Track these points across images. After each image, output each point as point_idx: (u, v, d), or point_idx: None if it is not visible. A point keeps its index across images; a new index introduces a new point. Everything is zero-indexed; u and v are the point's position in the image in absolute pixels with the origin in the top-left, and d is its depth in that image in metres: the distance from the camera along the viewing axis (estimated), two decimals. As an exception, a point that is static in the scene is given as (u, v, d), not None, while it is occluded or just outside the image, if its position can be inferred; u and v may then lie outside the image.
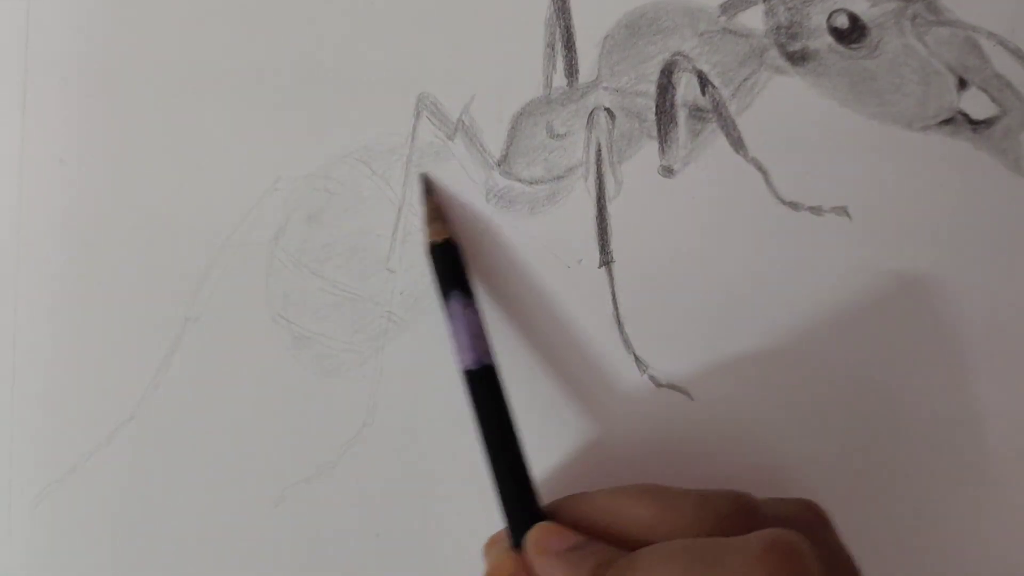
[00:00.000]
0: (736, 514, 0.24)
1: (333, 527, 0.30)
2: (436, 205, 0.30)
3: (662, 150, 0.31)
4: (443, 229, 0.29)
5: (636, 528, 0.24)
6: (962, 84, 0.31)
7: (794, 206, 0.31)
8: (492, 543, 0.27)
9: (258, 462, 0.30)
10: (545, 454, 0.30)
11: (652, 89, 0.31)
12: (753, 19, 0.32)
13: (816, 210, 0.31)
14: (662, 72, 0.31)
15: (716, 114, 0.31)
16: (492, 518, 0.27)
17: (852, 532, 0.27)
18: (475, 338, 0.28)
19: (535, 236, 0.31)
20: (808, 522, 0.26)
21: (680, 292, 0.30)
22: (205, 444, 0.30)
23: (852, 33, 0.31)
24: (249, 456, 0.30)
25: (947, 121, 0.31)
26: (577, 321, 0.30)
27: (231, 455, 0.30)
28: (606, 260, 0.31)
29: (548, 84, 0.31)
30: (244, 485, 0.30)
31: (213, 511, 0.30)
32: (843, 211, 0.31)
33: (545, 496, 0.27)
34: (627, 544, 0.23)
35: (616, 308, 0.30)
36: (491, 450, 0.27)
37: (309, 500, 0.30)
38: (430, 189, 0.30)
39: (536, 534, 0.25)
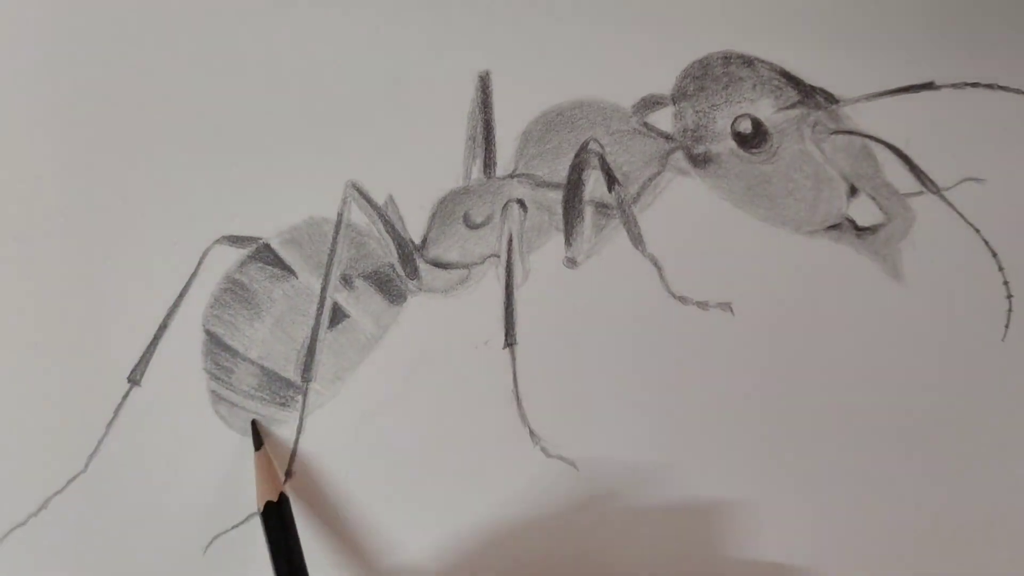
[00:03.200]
0: None
1: (256, 573, 0.34)
2: (267, 459, 0.32)
3: (568, 243, 0.34)
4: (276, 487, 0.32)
5: None
6: (852, 191, 0.34)
7: (683, 300, 0.33)
8: None
9: (192, 511, 0.34)
10: (448, 515, 0.33)
11: (563, 184, 0.34)
12: (663, 121, 0.34)
13: (702, 305, 0.33)
14: (573, 168, 0.34)
15: (620, 211, 0.33)
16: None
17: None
18: None
19: (448, 316, 0.34)
20: None
21: (575, 373, 0.33)
22: (148, 495, 0.33)
23: (754, 138, 0.33)
24: (183, 506, 0.34)
25: (834, 226, 0.34)
26: (480, 395, 0.33)
27: (169, 505, 0.33)
28: (510, 342, 0.33)
29: (468, 175, 0.34)
30: (179, 532, 0.33)
31: (152, 553, 0.33)
32: (728, 307, 0.33)
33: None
34: None
35: (516, 386, 0.33)
36: None
37: (235, 547, 0.34)
38: (260, 443, 0.33)
39: None
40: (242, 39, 0.34)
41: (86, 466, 0.33)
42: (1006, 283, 0.33)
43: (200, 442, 0.33)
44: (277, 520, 0.31)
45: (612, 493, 0.33)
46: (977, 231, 0.33)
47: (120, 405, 0.33)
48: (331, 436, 0.33)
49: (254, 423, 0.33)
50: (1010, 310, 0.33)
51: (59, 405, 0.33)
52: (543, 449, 0.33)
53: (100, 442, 0.33)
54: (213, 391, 0.33)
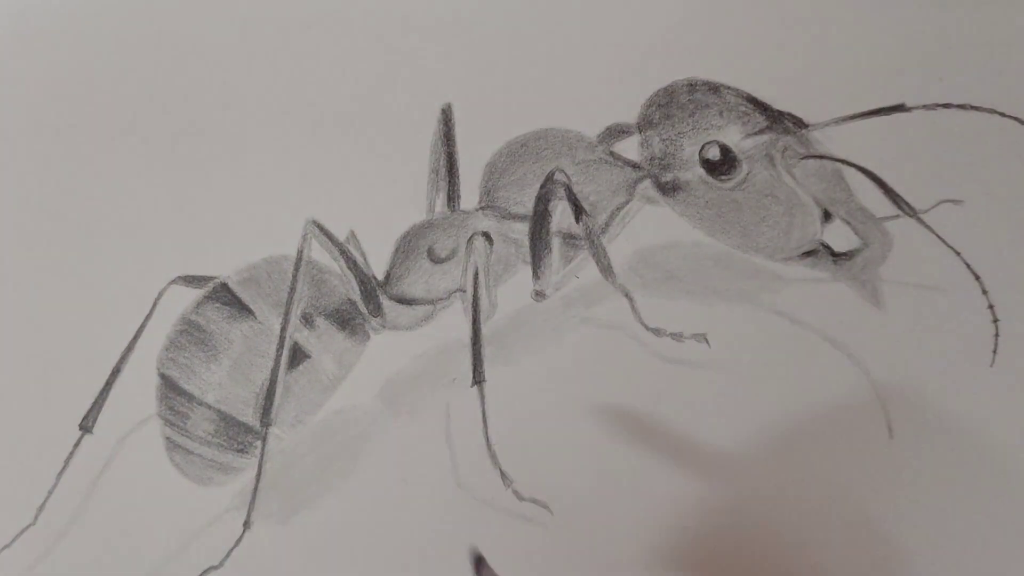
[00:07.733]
0: None
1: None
2: None
3: (536, 275, 0.33)
4: None
5: None
6: (827, 216, 0.33)
7: (657, 332, 0.32)
8: None
9: (146, 564, 0.32)
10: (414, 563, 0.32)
11: (529, 216, 0.33)
12: (629, 149, 0.34)
13: (677, 336, 0.32)
14: (539, 199, 0.33)
15: (588, 242, 0.32)
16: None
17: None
18: None
19: (413, 354, 0.33)
20: None
21: (547, 412, 0.32)
22: (100, 547, 0.32)
23: (723, 164, 0.33)
24: (137, 559, 0.32)
25: (809, 252, 0.33)
26: (448, 435, 0.32)
27: (123, 557, 0.32)
28: (478, 379, 0.32)
29: (431, 208, 0.33)
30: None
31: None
32: (703, 338, 0.32)
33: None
34: None
35: (485, 425, 0.32)
36: None
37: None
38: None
39: None
40: (198, 77, 0.33)
41: (35, 519, 0.32)
42: (991, 307, 0.32)
43: (154, 491, 0.32)
44: None
45: (587, 537, 0.31)
46: (958, 253, 0.32)
47: (71, 454, 0.32)
48: (290, 484, 0.32)
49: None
50: (997, 335, 0.32)
51: (7, 455, 0.32)
52: (515, 492, 0.32)
53: (50, 493, 0.32)
54: (168, 438, 0.32)
